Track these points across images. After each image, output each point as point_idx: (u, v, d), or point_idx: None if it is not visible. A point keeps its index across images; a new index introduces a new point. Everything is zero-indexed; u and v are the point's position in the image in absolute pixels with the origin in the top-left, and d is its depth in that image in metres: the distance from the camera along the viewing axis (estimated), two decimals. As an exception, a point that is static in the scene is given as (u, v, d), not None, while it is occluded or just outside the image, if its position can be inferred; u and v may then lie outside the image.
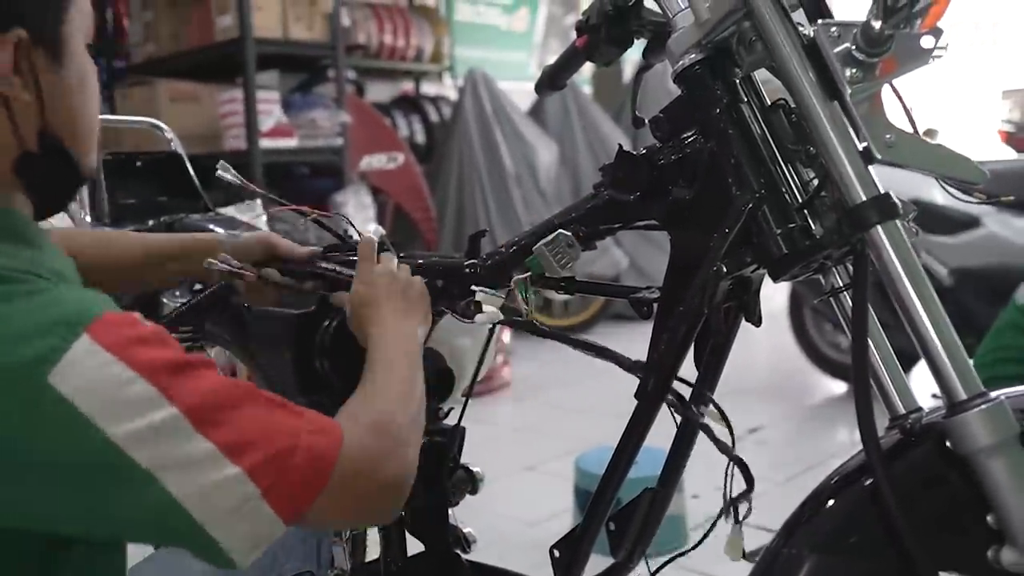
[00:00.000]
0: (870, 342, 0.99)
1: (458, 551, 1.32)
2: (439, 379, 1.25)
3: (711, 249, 0.97)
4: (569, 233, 1.09)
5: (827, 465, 1.01)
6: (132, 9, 5.07)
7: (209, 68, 4.73)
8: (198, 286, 1.45)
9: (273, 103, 4.61)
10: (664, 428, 1.10)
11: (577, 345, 1.12)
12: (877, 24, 0.84)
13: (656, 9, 1.08)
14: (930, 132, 0.94)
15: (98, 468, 0.72)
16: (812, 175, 0.98)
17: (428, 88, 6.88)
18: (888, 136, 0.89)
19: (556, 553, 1.15)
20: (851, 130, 0.89)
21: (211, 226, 1.60)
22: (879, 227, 0.87)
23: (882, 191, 0.88)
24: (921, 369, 0.89)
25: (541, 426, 3.67)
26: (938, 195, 3.06)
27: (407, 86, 6.80)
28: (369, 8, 6.14)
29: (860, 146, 0.89)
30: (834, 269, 1.04)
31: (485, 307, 1.16)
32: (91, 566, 0.82)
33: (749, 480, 1.01)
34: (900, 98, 0.94)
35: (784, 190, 0.96)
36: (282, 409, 0.82)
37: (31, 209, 0.87)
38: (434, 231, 5.49)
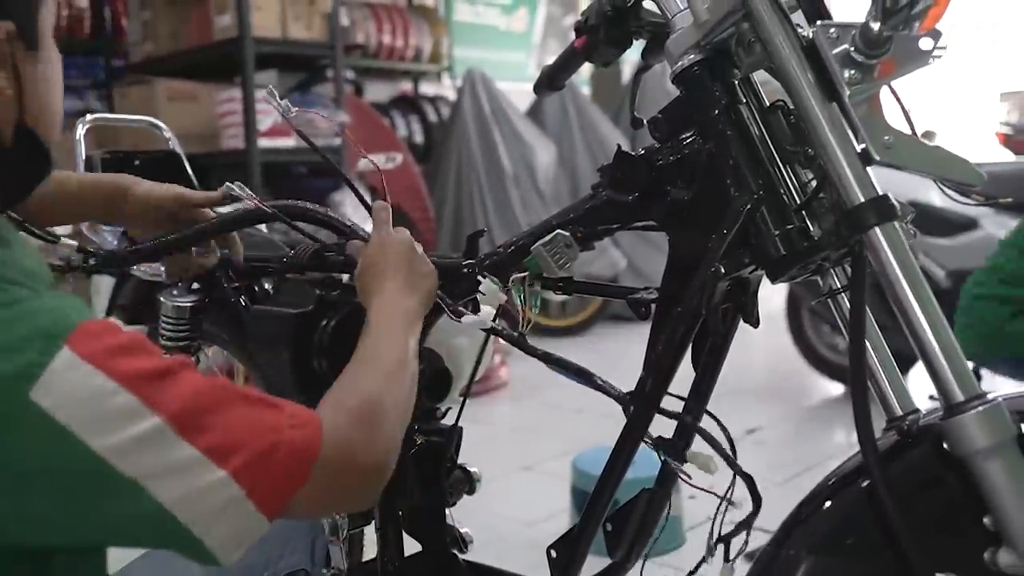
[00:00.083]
0: (868, 344, 0.99)
1: (455, 551, 1.32)
2: (436, 379, 1.25)
3: (709, 250, 0.97)
4: (567, 233, 1.09)
5: (825, 466, 1.01)
6: (131, 8, 5.06)
7: (208, 67, 4.72)
8: (196, 285, 1.45)
9: (271, 103, 4.60)
10: (663, 428, 1.10)
11: (568, 371, 1.10)
12: (876, 26, 0.85)
13: (655, 10, 1.08)
14: (928, 134, 0.94)
15: (84, 481, 0.72)
16: (810, 176, 0.98)
17: (426, 88, 6.88)
18: (886, 138, 0.89)
19: (553, 553, 1.15)
20: (849, 132, 0.89)
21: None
22: (877, 229, 0.87)
23: (880, 193, 0.88)
24: (919, 371, 0.89)
25: (538, 426, 3.67)
26: (936, 197, 3.07)
27: (406, 86, 6.80)
28: (368, 8, 6.14)
29: (858, 148, 0.89)
30: (832, 270, 1.04)
31: (482, 306, 1.16)
32: (74, 570, 0.82)
33: (756, 498, 1.00)
34: (899, 100, 0.94)
35: (782, 191, 0.96)
36: (262, 405, 0.82)
37: None
38: (432, 231, 5.49)
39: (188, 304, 1.44)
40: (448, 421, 1.34)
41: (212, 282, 1.44)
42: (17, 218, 1.24)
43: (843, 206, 0.89)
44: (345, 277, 1.32)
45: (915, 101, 0.95)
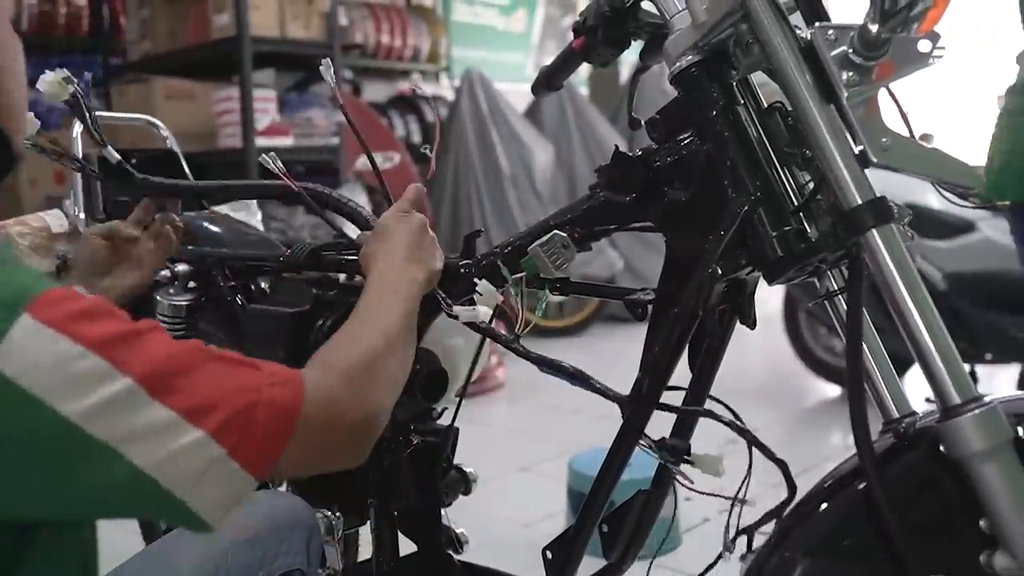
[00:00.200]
0: (864, 346, 0.99)
1: (450, 552, 1.32)
2: (432, 380, 1.24)
3: (706, 251, 0.97)
4: (564, 234, 1.09)
5: (821, 468, 1.00)
6: (129, 6, 5.06)
7: (205, 66, 4.72)
8: (192, 283, 1.45)
9: (269, 102, 4.61)
10: (660, 427, 1.10)
11: (562, 374, 1.09)
12: (874, 28, 0.84)
13: (653, 11, 1.08)
14: (926, 136, 0.94)
15: (56, 447, 0.70)
16: (808, 178, 0.98)
17: (425, 88, 6.88)
18: (884, 140, 0.89)
19: (549, 555, 1.15)
20: (847, 133, 0.89)
21: (206, 224, 1.60)
22: (874, 231, 0.87)
23: (877, 195, 0.88)
24: (915, 372, 0.89)
25: (535, 427, 3.67)
26: (933, 199, 3.07)
27: (404, 86, 6.80)
28: (366, 8, 6.14)
29: (856, 150, 0.89)
30: (829, 272, 1.04)
31: (478, 305, 1.16)
32: (58, 547, 0.81)
33: (791, 485, 0.99)
34: (896, 102, 0.94)
35: (780, 193, 0.96)
36: (240, 365, 0.81)
37: None
38: (430, 231, 5.48)
39: (184, 303, 1.44)
40: (444, 421, 1.34)
41: (208, 280, 1.44)
42: (44, 144, 1.23)
43: (840, 208, 0.89)
44: (342, 277, 1.32)
45: (913, 102, 0.95)
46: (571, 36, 1.19)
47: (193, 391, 0.75)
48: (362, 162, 5.01)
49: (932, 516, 0.90)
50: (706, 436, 1.08)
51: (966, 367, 0.86)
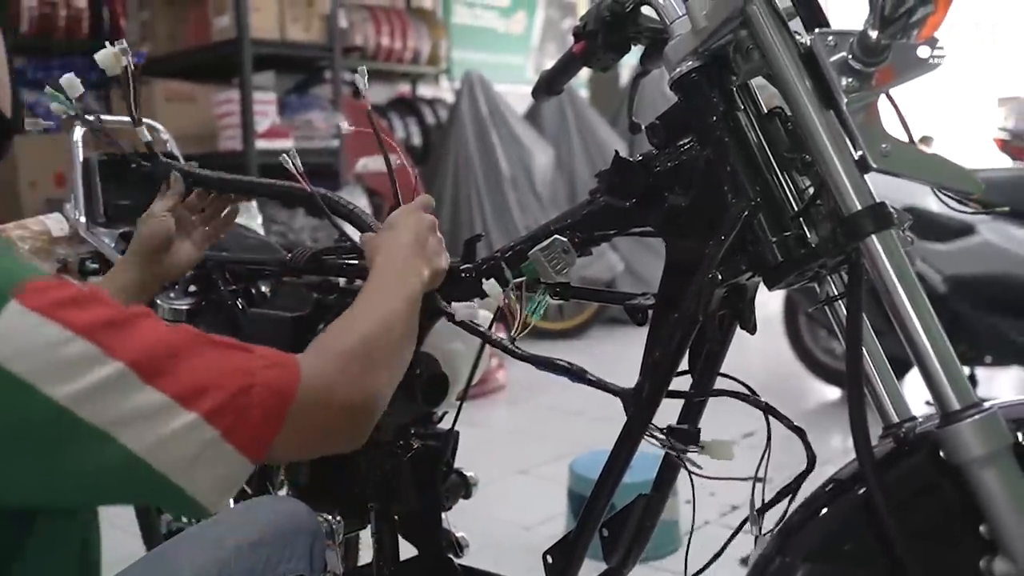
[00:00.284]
0: (864, 350, 0.99)
1: (451, 555, 1.32)
2: (433, 383, 1.25)
3: (707, 256, 0.97)
4: (565, 239, 1.09)
5: (821, 472, 1.00)
6: (129, 9, 5.07)
7: (206, 68, 4.72)
8: (192, 288, 1.45)
9: (269, 104, 4.61)
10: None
11: (559, 370, 1.10)
12: (874, 34, 0.84)
13: (654, 16, 1.08)
14: (926, 139, 0.94)
15: (47, 432, 0.70)
16: (808, 183, 0.98)
17: (425, 90, 6.89)
18: (884, 145, 0.89)
19: (549, 559, 1.15)
20: (847, 139, 0.89)
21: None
22: (874, 237, 0.87)
23: (877, 199, 0.88)
24: (915, 374, 0.89)
25: (535, 430, 3.67)
26: (933, 202, 3.06)
27: (404, 88, 6.80)
28: (367, 10, 6.14)
29: (856, 155, 0.89)
30: (829, 277, 1.04)
31: (480, 310, 1.16)
32: (54, 535, 0.80)
33: (811, 454, 1.01)
34: (896, 107, 0.94)
35: (780, 198, 0.96)
36: (233, 349, 0.80)
37: None
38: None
39: (184, 307, 1.44)
40: (445, 425, 1.34)
41: (209, 284, 1.44)
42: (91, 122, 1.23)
43: (840, 214, 0.89)
44: (342, 281, 1.32)
45: (913, 105, 0.95)
46: (571, 38, 1.19)
47: (185, 374, 0.75)
48: (362, 165, 5.02)
49: (932, 521, 0.90)
50: (716, 435, 1.08)
51: (966, 370, 0.86)
